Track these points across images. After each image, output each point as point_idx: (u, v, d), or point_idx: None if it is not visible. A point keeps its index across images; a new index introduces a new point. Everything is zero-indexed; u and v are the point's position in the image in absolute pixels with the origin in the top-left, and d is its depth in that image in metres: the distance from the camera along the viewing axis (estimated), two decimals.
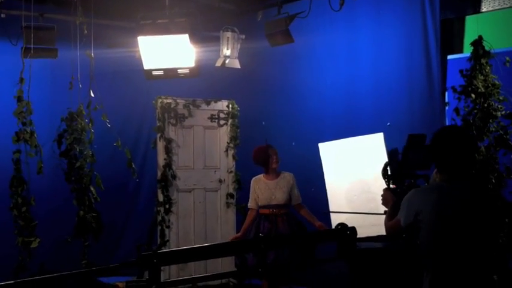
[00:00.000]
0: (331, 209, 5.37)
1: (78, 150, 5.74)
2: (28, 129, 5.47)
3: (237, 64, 6.24)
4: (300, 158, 6.34)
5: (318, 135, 5.96)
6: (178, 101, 6.47)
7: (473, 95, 4.59)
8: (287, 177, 5.30)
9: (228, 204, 6.54)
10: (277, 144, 6.65)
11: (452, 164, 2.77)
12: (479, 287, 2.72)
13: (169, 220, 6.25)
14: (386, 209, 3.21)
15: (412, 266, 3.23)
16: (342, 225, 2.95)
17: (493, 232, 2.79)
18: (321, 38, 6.46)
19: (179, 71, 5.94)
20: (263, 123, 6.84)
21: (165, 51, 5.79)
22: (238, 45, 6.28)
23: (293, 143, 6.48)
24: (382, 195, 3.30)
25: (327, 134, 5.84)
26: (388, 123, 5.60)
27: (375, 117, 5.87)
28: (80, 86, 5.83)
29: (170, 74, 5.99)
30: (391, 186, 3.35)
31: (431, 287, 2.75)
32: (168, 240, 6.21)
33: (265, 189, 5.24)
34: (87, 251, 5.62)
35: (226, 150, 6.60)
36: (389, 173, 3.41)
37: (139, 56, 5.84)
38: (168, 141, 6.35)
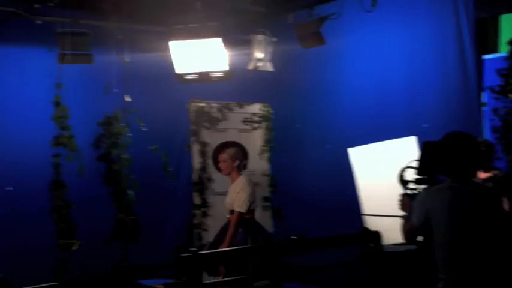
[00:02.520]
0: (364, 213, 5.36)
1: (115, 154, 5.84)
2: (66, 134, 5.59)
3: (269, 67, 6.26)
4: (332, 161, 6.34)
5: (349, 138, 5.94)
6: (211, 104, 6.52)
7: (511, 95, 4.53)
8: (239, 180, 5.12)
9: (263, 207, 6.56)
10: (311, 147, 6.69)
11: (457, 167, 2.94)
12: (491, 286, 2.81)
13: (205, 223, 6.30)
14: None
15: (428, 269, 3.30)
16: (365, 230, 3.01)
17: (503, 231, 2.91)
18: (353, 39, 6.43)
19: (212, 74, 6.00)
20: (297, 125, 6.85)
21: (198, 55, 5.86)
22: (270, 48, 6.30)
23: (327, 146, 6.48)
24: (399, 200, 3.39)
25: (359, 138, 5.81)
26: (424, 125, 5.54)
27: (407, 120, 5.82)
28: (116, 90, 5.94)
29: (203, 77, 6.05)
30: (407, 191, 3.44)
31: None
32: (205, 244, 6.26)
33: (229, 192, 5.20)
34: (125, 253, 5.69)
35: (261, 153, 6.62)
36: (405, 178, 3.50)
37: (172, 60, 5.92)
38: (203, 145, 6.40)
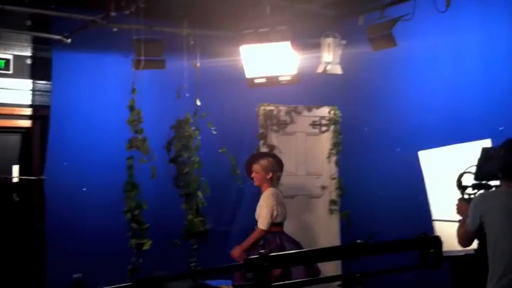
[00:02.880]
0: (434, 218, 5.23)
1: (186, 156, 5.98)
2: (140, 137, 5.77)
3: (338, 70, 6.23)
4: (402, 164, 6.22)
5: (420, 141, 5.82)
6: (280, 108, 6.56)
7: None
8: (266, 195, 5.04)
9: (331, 211, 6.53)
10: (380, 151, 6.59)
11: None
12: None
13: None
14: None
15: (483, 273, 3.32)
16: (424, 234, 2.97)
17: None
18: (425, 40, 6.28)
19: (281, 78, 6.03)
20: (366, 129, 6.77)
21: (267, 59, 5.91)
22: (340, 51, 6.26)
23: (398, 149, 6.36)
24: (456, 205, 3.53)
25: (430, 141, 5.69)
26: (500, 128, 5.34)
27: (482, 123, 5.62)
28: (187, 94, 6.08)
29: (272, 81, 6.09)
30: (465, 196, 3.55)
31: None
32: None
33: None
34: (194, 254, 5.80)
35: (329, 157, 6.60)
36: (463, 183, 3.64)
37: (242, 64, 6.00)
38: (271, 148, 6.45)
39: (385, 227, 6.10)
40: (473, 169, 3.58)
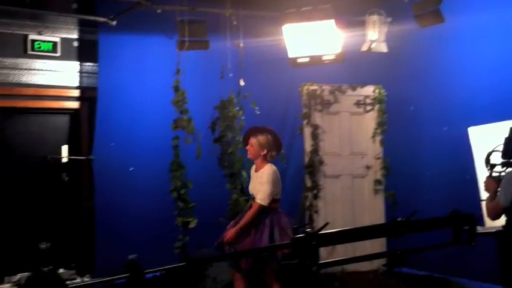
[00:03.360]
0: (482, 198, 5.12)
1: (230, 136, 6.01)
2: (185, 117, 5.83)
3: (383, 48, 6.12)
4: (450, 143, 6.10)
5: (468, 119, 5.68)
6: (323, 87, 6.50)
7: None
8: (264, 170, 4.81)
9: (376, 191, 6.47)
10: (426, 130, 6.47)
11: None
12: None
13: (317, 205, 6.33)
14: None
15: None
16: (456, 212, 2.96)
17: None
18: (473, 16, 6.10)
19: (324, 57, 5.96)
20: (411, 107, 6.65)
21: (310, 38, 5.85)
22: (385, 28, 6.15)
23: (445, 128, 6.23)
24: (484, 182, 3.67)
25: (479, 119, 5.54)
26: None
27: None
28: (230, 75, 6.09)
29: (315, 61, 6.03)
30: (493, 174, 3.64)
31: None
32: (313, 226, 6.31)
33: (252, 179, 4.93)
34: None
35: (373, 136, 6.52)
36: (491, 161, 3.72)
37: (285, 44, 5.96)
38: (315, 128, 6.42)
39: (431, 207, 5.95)
40: (501, 147, 3.60)
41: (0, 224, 6.24)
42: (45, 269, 1.76)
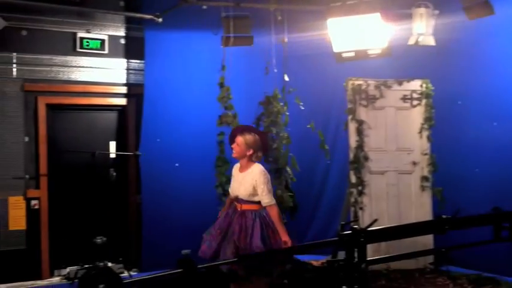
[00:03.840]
0: None
1: (274, 132, 6.01)
2: (230, 113, 5.86)
3: (431, 41, 5.99)
4: (500, 139, 5.94)
5: None
6: (369, 82, 6.42)
7: None
8: (254, 171, 4.66)
9: (422, 188, 6.35)
10: (475, 125, 6.30)
11: None
12: None
13: (362, 202, 6.26)
14: None
15: None
16: (497, 209, 2.86)
17: None
18: None
19: (370, 51, 5.88)
20: (459, 102, 6.49)
21: (356, 32, 5.77)
22: (432, 21, 6.01)
23: (494, 123, 6.07)
24: None
25: None
26: None
27: None
28: (275, 70, 6.08)
29: (361, 55, 5.95)
30: None
31: None
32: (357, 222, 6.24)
33: (235, 179, 4.77)
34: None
35: (420, 132, 6.39)
36: None
37: (329, 38, 5.91)
38: (360, 123, 6.34)
39: (480, 205, 5.85)
40: None
41: (51, 219, 6.43)
42: (100, 263, 1.81)
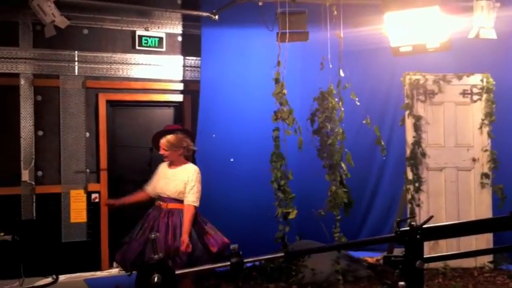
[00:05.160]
0: None
1: (329, 128, 5.98)
2: (285, 109, 5.87)
3: (492, 35, 5.81)
4: None
5: None
6: (427, 77, 6.29)
7: None
8: (188, 169, 4.59)
9: (482, 185, 6.18)
10: None
11: None
12: None
13: (419, 199, 6.15)
14: None
15: None
16: None
17: None
18: None
19: (428, 45, 5.75)
20: None
21: (414, 26, 5.66)
22: (494, 14, 5.83)
23: None
24: None
25: None
26: None
27: None
28: (330, 66, 6.05)
29: (419, 49, 5.83)
30: None
31: None
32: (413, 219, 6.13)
33: (162, 177, 4.61)
34: (338, 225, 5.81)
35: (481, 128, 6.22)
36: None
37: (386, 33, 5.82)
38: (417, 119, 6.23)
39: None
40: None
41: (110, 212, 6.61)
42: (156, 256, 1.89)
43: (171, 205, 4.56)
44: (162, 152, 4.64)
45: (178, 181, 4.56)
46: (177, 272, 2.05)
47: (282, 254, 2.46)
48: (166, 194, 4.57)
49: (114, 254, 4.71)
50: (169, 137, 4.62)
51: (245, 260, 2.13)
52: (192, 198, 4.54)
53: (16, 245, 5.85)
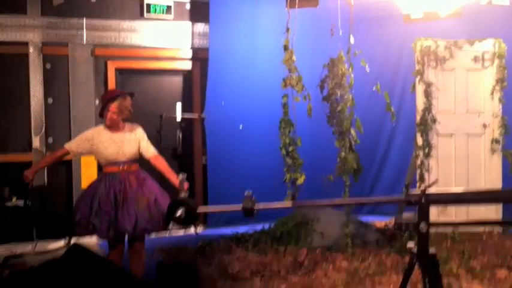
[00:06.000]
0: None
1: (339, 94, 5.95)
2: (294, 76, 5.84)
3: (505, 1, 5.71)
4: None
5: None
6: (438, 42, 6.22)
7: None
8: (135, 129, 4.58)
9: (492, 150, 6.15)
10: None
11: None
12: None
13: (428, 164, 6.14)
14: None
15: None
16: None
17: None
18: None
19: (440, 12, 5.69)
20: None
21: None
22: None
23: None
24: None
25: None
26: None
27: None
28: (340, 33, 5.98)
29: (430, 16, 5.78)
30: None
31: None
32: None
33: (111, 143, 4.48)
34: (346, 190, 5.82)
35: (492, 93, 6.17)
36: None
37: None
38: (428, 85, 6.18)
39: None
40: None
41: None
42: (182, 194, 2.12)
43: (133, 167, 4.52)
44: (111, 116, 4.49)
45: (132, 142, 4.55)
46: (199, 210, 2.30)
47: (291, 202, 2.59)
48: (122, 158, 4.48)
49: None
50: (120, 100, 4.51)
51: (255, 208, 2.24)
52: (153, 150, 4.63)
53: (28, 211, 5.94)
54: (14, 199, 5.93)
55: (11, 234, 6.10)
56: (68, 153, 4.58)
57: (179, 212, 2.20)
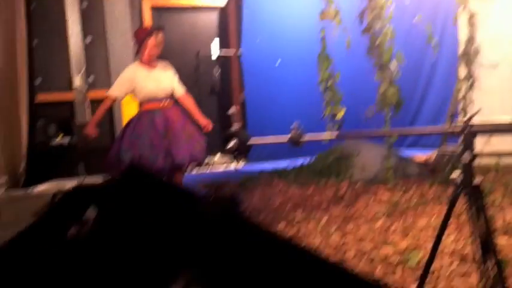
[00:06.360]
0: None
1: (378, 27, 5.80)
2: (332, 8, 5.71)
3: None
4: None
5: None
6: None
7: None
8: (167, 66, 4.58)
9: None
10: None
11: None
12: None
13: (471, 96, 6.02)
14: None
15: None
16: None
17: None
18: None
19: None
20: None
21: None
22: None
23: None
24: None
25: None
26: None
27: None
28: None
29: None
30: None
31: None
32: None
33: (150, 80, 4.48)
34: (387, 124, 5.78)
35: None
36: None
37: None
38: (471, 15, 5.97)
39: None
40: None
41: None
42: (235, 126, 2.22)
43: (169, 103, 4.55)
44: (150, 51, 4.50)
45: (168, 80, 4.59)
46: (250, 141, 2.38)
47: (336, 133, 2.59)
48: (161, 94, 4.51)
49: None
50: (156, 34, 4.52)
51: (301, 140, 2.26)
52: (182, 89, 4.71)
53: (73, 148, 6.09)
54: (60, 136, 6.08)
55: (57, 171, 6.30)
56: (115, 99, 4.64)
57: (231, 143, 2.27)
